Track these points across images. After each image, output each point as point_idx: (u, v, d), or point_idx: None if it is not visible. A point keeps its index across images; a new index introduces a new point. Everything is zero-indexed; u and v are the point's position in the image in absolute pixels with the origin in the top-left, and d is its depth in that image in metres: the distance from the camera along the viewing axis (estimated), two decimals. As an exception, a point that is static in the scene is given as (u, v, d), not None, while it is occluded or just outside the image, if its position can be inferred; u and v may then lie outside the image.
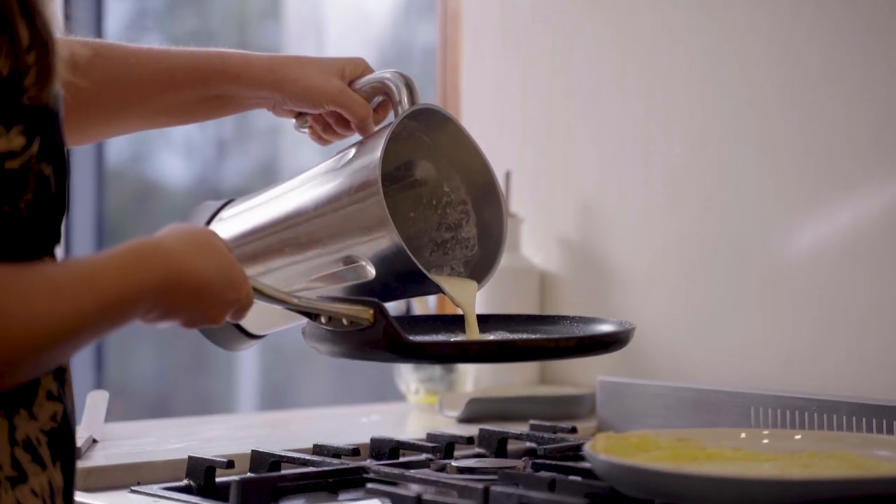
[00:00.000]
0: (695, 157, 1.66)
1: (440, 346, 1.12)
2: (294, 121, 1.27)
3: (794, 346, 1.55)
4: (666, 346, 1.68)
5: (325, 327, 1.09)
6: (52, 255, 0.88)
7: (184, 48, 1.23)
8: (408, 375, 1.78)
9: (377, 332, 1.07)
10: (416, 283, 1.15)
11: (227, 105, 1.24)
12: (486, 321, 1.22)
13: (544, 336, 1.19)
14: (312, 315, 1.09)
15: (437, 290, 1.16)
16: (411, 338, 1.08)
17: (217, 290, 0.94)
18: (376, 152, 1.13)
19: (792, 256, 1.55)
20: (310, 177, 1.21)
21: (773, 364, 1.56)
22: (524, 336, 1.20)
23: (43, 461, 0.87)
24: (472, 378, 1.80)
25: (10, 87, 0.81)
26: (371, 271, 1.14)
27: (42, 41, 0.82)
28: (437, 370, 1.76)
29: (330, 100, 1.21)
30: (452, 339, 1.17)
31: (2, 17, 0.80)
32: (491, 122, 1.93)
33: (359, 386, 2.65)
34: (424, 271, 1.12)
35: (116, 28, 2.85)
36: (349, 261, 1.15)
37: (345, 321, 1.08)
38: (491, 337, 1.20)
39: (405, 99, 1.19)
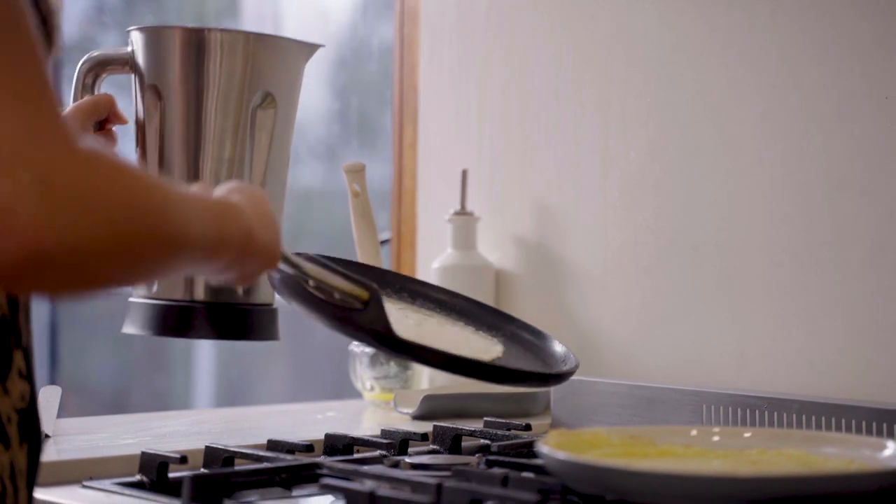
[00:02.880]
0: (650, 159, 1.67)
1: (427, 352, 1.14)
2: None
3: (746, 346, 1.56)
4: (620, 345, 1.69)
5: (313, 291, 1.10)
6: None
7: None
8: (363, 373, 1.78)
9: (367, 317, 1.08)
10: None
11: None
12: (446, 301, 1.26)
13: (531, 370, 1.26)
14: (305, 280, 1.10)
15: None
16: (399, 335, 1.09)
17: (271, 252, 0.99)
18: None
19: (745, 258, 1.57)
20: None
21: (725, 363, 1.58)
22: (512, 364, 1.26)
23: (9, 440, 0.86)
24: (428, 375, 1.80)
25: None
26: None
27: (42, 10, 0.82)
28: (392, 368, 1.76)
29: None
30: (440, 349, 1.17)
31: None
32: (448, 120, 1.94)
33: (315, 383, 2.64)
34: None
35: (73, 24, 2.83)
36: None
37: (336, 295, 1.09)
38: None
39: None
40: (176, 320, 1.39)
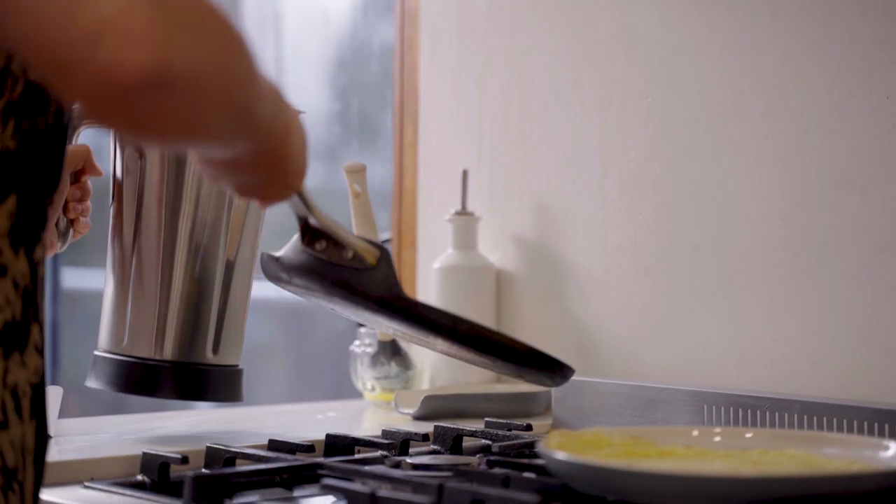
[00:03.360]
0: (650, 159, 1.67)
1: (436, 313, 1.10)
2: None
3: (747, 346, 1.56)
4: (621, 345, 1.69)
5: (318, 255, 1.08)
6: (52, 202, 0.87)
7: None
8: (364, 373, 1.78)
9: (376, 277, 1.05)
10: None
11: None
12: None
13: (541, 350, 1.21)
14: (316, 238, 1.08)
15: None
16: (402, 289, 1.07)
17: (301, 165, 0.97)
18: None
19: (745, 257, 1.57)
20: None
21: (726, 363, 1.58)
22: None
23: (22, 414, 0.85)
24: (429, 376, 1.80)
25: None
26: None
27: None
28: (393, 368, 1.76)
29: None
30: (449, 311, 1.15)
31: None
32: (448, 121, 1.94)
33: (315, 384, 2.65)
34: None
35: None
36: None
37: (349, 253, 1.07)
38: None
39: None
40: (141, 378, 1.40)
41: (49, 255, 1.32)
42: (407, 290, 1.96)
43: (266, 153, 0.92)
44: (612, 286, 1.71)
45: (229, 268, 1.43)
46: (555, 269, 1.78)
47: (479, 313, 1.79)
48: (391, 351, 1.77)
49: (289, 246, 1.12)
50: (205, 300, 1.42)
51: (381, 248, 1.08)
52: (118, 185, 1.41)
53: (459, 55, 1.93)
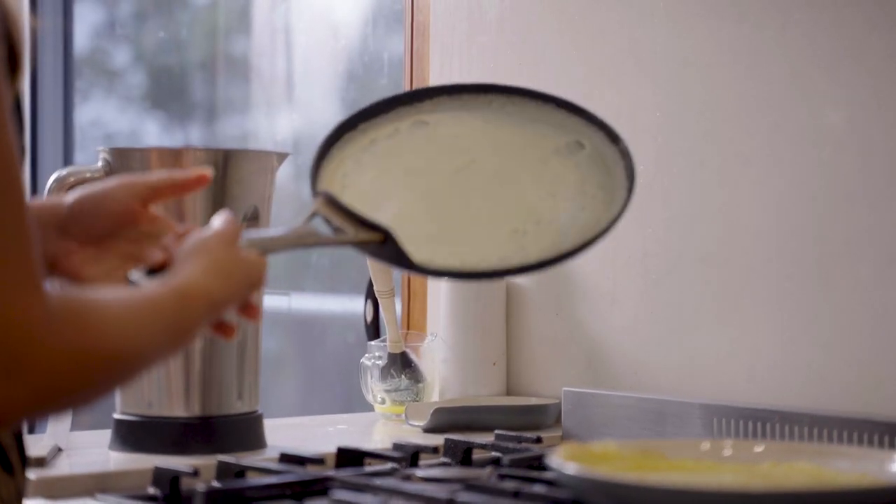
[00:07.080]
0: (659, 172, 1.67)
1: (444, 274, 1.12)
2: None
3: (756, 359, 1.56)
4: (630, 358, 1.69)
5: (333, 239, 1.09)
6: None
7: None
8: (374, 386, 1.78)
9: (390, 251, 1.06)
10: None
11: None
12: None
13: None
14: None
15: None
16: (415, 260, 1.06)
17: (240, 286, 0.95)
18: None
19: (755, 270, 1.57)
20: None
21: (735, 376, 1.58)
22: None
23: (12, 467, 0.86)
24: (438, 388, 1.81)
25: None
26: None
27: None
28: (403, 381, 1.77)
29: None
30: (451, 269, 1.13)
31: None
32: (458, 134, 1.94)
33: (325, 396, 2.65)
34: None
35: (84, 37, 2.84)
36: None
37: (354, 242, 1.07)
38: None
39: None
40: (176, 437, 1.40)
41: None
42: (417, 306, 1.97)
43: (200, 329, 0.91)
44: (622, 299, 1.72)
45: None
46: (564, 282, 1.78)
47: (489, 326, 1.80)
48: (401, 364, 1.77)
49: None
50: (225, 350, 1.42)
51: (380, 230, 1.06)
52: None
53: (469, 69, 1.93)
